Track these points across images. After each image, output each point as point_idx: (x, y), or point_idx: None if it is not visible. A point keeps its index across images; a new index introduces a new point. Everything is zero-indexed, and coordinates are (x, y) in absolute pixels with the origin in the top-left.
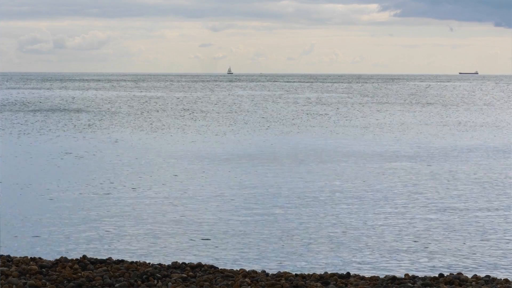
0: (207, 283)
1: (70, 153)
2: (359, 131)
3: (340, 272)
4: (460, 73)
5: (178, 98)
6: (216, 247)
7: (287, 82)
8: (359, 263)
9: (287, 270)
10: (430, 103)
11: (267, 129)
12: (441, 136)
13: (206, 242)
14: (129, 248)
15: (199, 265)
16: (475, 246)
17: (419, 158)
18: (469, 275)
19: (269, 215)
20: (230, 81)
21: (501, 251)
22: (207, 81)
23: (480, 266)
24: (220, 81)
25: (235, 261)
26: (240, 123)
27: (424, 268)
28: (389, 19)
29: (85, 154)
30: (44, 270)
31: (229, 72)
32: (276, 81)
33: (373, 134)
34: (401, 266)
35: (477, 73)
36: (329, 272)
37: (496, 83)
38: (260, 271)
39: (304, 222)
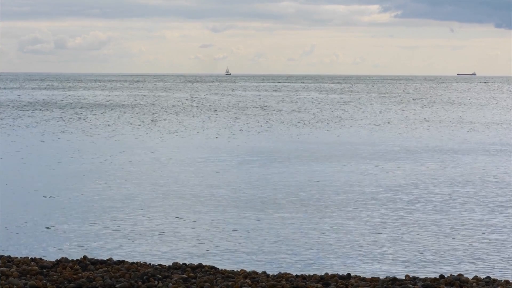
0: (207, 283)
1: (77, 151)
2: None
3: (340, 273)
4: (458, 74)
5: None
6: (217, 247)
7: (294, 83)
8: (360, 264)
9: (287, 271)
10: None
11: (278, 129)
12: (447, 135)
13: (206, 242)
14: (130, 248)
15: (200, 265)
16: (476, 247)
17: (419, 158)
18: (470, 276)
19: (270, 216)
20: (229, 81)
21: (502, 252)
22: (210, 81)
23: (481, 267)
24: (219, 82)
25: (235, 262)
26: (246, 123)
27: (424, 269)
28: (389, 20)
29: (87, 154)
30: (44, 270)
31: (227, 73)
32: (280, 82)
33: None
34: (401, 267)
35: (475, 74)
36: (329, 273)
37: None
38: (260, 272)
39: (305, 223)
